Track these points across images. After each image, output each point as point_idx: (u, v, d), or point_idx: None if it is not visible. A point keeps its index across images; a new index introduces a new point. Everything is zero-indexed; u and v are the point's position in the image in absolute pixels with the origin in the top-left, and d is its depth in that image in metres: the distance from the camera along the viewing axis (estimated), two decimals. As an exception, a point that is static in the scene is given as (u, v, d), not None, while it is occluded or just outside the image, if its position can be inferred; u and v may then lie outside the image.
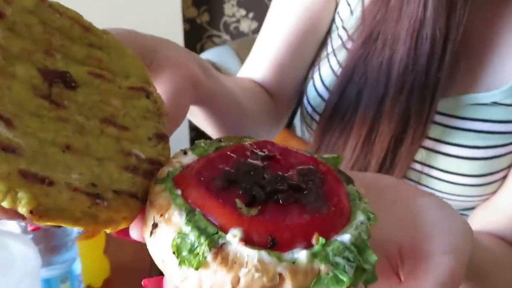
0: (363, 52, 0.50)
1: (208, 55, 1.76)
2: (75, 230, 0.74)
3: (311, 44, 0.58)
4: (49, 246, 0.66)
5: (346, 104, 0.50)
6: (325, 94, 0.54)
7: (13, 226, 0.61)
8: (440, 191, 0.50)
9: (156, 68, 0.33)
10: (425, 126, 0.47)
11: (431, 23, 0.45)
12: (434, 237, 0.24)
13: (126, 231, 0.24)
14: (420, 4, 0.45)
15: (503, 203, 0.50)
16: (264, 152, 0.25)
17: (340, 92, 0.51)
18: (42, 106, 0.23)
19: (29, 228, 0.26)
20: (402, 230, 0.25)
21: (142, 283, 0.25)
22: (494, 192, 0.51)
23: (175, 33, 1.74)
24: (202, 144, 0.26)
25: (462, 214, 0.55)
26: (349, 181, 0.26)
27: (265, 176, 0.22)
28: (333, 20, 0.57)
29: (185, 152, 0.25)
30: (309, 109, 0.57)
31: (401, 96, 0.47)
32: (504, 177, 0.50)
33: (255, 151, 0.24)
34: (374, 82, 0.48)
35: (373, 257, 0.21)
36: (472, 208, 0.53)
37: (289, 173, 0.23)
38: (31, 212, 0.20)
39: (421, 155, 0.50)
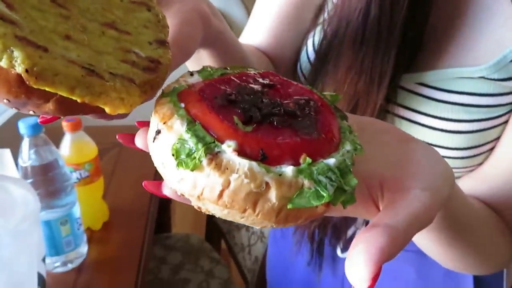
0: (328, 29, 0.51)
1: (214, 2, 1.71)
2: (74, 175, 0.77)
3: (309, 12, 0.57)
4: (49, 190, 0.68)
5: (323, 66, 0.51)
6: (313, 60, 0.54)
7: (13, 171, 0.64)
8: None
9: (166, 2, 0.33)
10: (374, 104, 0.47)
11: (377, 2, 0.45)
12: (416, 175, 0.26)
13: (131, 139, 0.26)
14: None
15: (487, 173, 0.50)
16: (266, 80, 0.27)
17: (320, 56, 0.52)
18: (44, 3, 0.24)
19: (39, 120, 0.28)
20: (387, 166, 0.26)
21: (143, 184, 0.26)
22: (481, 164, 0.51)
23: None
24: (209, 69, 0.27)
25: None
26: (344, 118, 0.27)
27: (263, 100, 0.24)
28: None
29: (191, 74, 0.27)
30: (300, 74, 0.57)
31: (350, 76, 0.47)
32: (491, 149, 0.50)
33: (258, 78, 0.26)
34: (334, 60, 0.49)
35: (353, 181, 0.23)
36: (458, 178, 0.54)
37: (287, 101, 0.25)
38: (27, 71, 0.21)
39: (400, 125, 0.50)
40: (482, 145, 0.49)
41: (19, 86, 0.21)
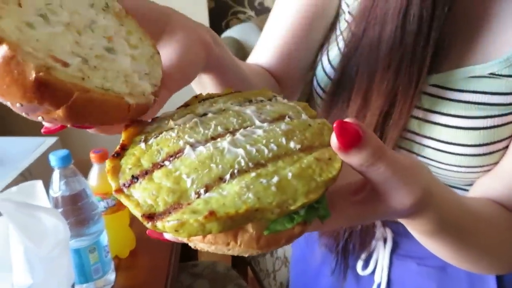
0: (358, 30, 0.51)
1: (232, 32, 1.77)
2: (101, 204, 0.80)
3: (318, 30, 0.59)
4: (78, 219, 0.71)
5: (346, 81, 0.52)
6: (333, 75, 0.56)
7: (45, 201, 0.67)
8: (439, 162, 0.51)
9: (170, 30, 0.36)
10: (411, 102, 0.48)
11: (418, 2, 0.46)
12: None
13: (160, 233, 0.28)
14: None
15: (503, 171, 0.50)
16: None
17: (342, 69, 0.53)
18: None
19: (43, 130, 0.30)
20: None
21: (147, 232, 0.29)
22: (496, 163, 0.51)
23: (200, 11, 1.75)
24: None
25: (463, 190, 0.55)
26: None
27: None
28: (339, 6, 0.58)
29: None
30: (319, 90, 0.58)
31: (388, 73, 0.48)
32: (507, 147, 0.50)
33: None
34: (366, 59, 0.50)
35: (322, 198, 0.25)
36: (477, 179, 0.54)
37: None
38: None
39: (416, 125, 0.51)
40: (498, 141, 0.49)
41: (34, 92, 0.24)
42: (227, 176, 0.24)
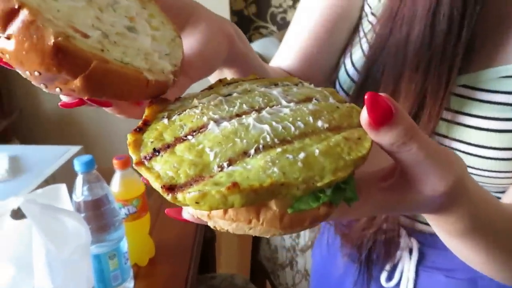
0: (384, 31, 0.50)
1: (254, 46, 1.79)
2: (122, 211, 0.81)
3: (341, 33, 0.58)
4: (99, 225, 0.72)
5: (371, 83, 0.51)
6: (356, 77, 0.55)
7: (68, 205, 0.68)
8: (469, 166, 0.49)
9: (194, 21, 0.36)
10: (441, 104, 0.47)
11: (448, 1, 0.44)
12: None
13: (178, 211, 0.28)
14: None
15: None
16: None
17: (366, 71, 0.52)
18: None
19: (60, 103, 0.30)
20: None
21: (165, 211, 0.28)
22: None
23: (222, 25, 1.78)
24: None
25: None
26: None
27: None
28: (362, 8, 0.57)
29: None
30: (342, 93, 0.58)
31: (417, 74, 0.46)
32: None
33: None
34: (393, 60, 0.49)
35: (350, 179, 0.25)
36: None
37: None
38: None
39: (444, 127, 0.49)
40: None
41: (52, 58, 0.23)
42: (252, 151, 0.23)
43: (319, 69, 0.60)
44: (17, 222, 0.61)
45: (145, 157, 0.25)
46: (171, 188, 0.23)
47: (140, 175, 0.25)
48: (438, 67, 0.46)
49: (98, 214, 0.72)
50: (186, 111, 0.27)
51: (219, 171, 0.23)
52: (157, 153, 0.25)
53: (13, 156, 1.03)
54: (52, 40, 0.23)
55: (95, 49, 0.25)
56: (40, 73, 0.24)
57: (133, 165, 0.25)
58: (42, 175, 0.95)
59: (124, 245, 0.77)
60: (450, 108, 0.49)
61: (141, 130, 0.26)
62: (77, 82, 0.25)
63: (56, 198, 0.66)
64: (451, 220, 0.32)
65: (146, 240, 0.88)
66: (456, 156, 0.29)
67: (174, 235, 0.97)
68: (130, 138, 0.26)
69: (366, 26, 0.56)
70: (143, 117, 0.27)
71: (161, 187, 0.23)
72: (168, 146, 0.25)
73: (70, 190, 0.72)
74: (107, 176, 0.80)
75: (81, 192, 0.71)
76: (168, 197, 0.23)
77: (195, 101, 0.28)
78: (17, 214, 0.62)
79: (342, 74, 0.57)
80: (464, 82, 0.48)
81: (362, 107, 0.26)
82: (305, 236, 1.04)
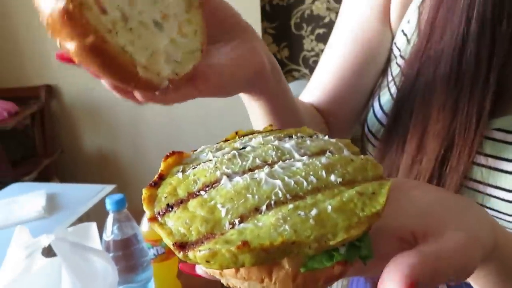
0: (411, 71, 0.49)
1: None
2: (151, 252, 0.80)
3: (370, 75, 0.58)
4: (127, 265, 0.72)
5: (400, 126, 0.49)
6: (384, 120, 0.54)
7: (97, 244, 0.68)
8: (506, 214, 0.46)
9: (233, 37, 0.36)
10: (472, 146, 0.44)
11: (475, 38, 0.43)
12: (448, 219, 0.25)
13: (192, 266, 0.28)
14: (463, 18, 0.43)
15: None
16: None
17: (395, 114, 0.51)
18: None
19: (56, 52, 0.31)
20: (418, 216, 0.26)
21: (179, 266, 0.28)
22: None
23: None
24: None
25: None
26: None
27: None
28: (391, 50, 0.57)
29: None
30: (370, 136, 0.57)
31: (444, 113, 0.45)
32: None
33: None
34: (420, 101, 0.47)
35: (365, 236, 0.24)
36: None
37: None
38: None
39: (479, 173, 0.47)
40: None
41: (59, 17, 0.26)
42: (263, 207, 0.23)
43: (348, 109, 0.60)
44: (48, 259, 0.62)
45: (159, 213, 0.25)
46: (183, 245, 0.23)
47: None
48: (466, 107, 0.44)
49: (126, 254, 0.72)
50: (201, 165, 0.27)
51: (231, 228, 0.23)
52: (170, 209, 0.25)
53: (51, 194, 1.07)
54: (64, 3, 0.25)
55: (103, 26, 0.27)
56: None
57: (148, 221, 0.25)
58: (77, 213, 0.98)
59: (152, 287, 0.76)
60: (484, 153, 0.46)
61: (156, 184, 0.27)
62: (71, 46, 0.26)
63: (86, 237, 0.67)
64: (482, 274, 0.31)
65: (174, 283, 0.87)
66: (481, 213, 0.28)
67: (202, 279, 0.95)
68: (145, 193, 0.26)
69: (394, 69, 0.55)
70: (159, 171, 0.28)
71: (173, 244, 0.23)
72: (181, 202, 0.25)
73: (103, 229, 0.72)
74: (140, 216, 0.81)
75: (111, 230, 0.71)
76: (180, 254, 0.23)
77: (210, 155, 0.28)
78: (49, 251, 0.63)
79: (370, 117, 0.57)
80: (498, 125, 0.46)
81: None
82: (337, 285, 0.99)
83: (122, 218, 0.72)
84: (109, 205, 0.70)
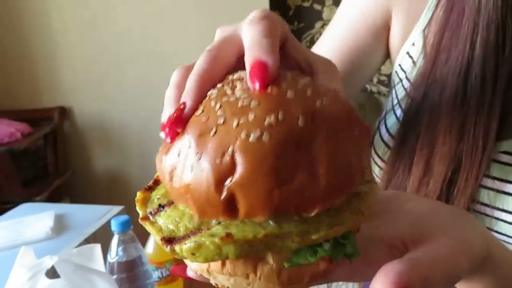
0: (417, 94, 0.49)
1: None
2: (155, 274, 0.79)
3: (353, 84, 0.61)
4: (132, 287, 0.71)
5: (406, 148, 0.49)
6: (391, 143, 0.54)
7: (101, 266, 0.68)
8: None
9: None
10: (479, 168, 0.44)
11: (479, 62, 0.43)
12: (440, 227, 0.26)
13: (183, 269, 0.28)
14: (467, 43, 0.44)
15: None
16: None
17: (401, 137, 0.51)
18: None
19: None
20: (409, 225, 0.27)
21: (171, 269, 0.28)
22: None
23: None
24: None
25: None
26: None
27: None
28: (394, 74, 0.57)
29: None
30: (377, 159, 0.56)
31: (450, 135, 0.45)
32: None
33: None
34: (426, 123, 0.48)
35: (349, 234, 0.24)
36: None
37: None
38: None
39: (486, 196, 0.46)
40: None
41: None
42: None
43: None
44: (51, 281, 0.62)
45: (151, 213, 0.26)
46: (170, 240, 0.23)
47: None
48: (473, 129, 0.44)
49: (131, 276, 0.71)
50: None
51: (217, 224, 0.23)
52: (161, 209, 0.25)
53: (59, 214, 1.07)
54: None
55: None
56: None
57: (139, 220, 0.26)
58: (84, 234, 0.98)
59: (155, 311, 0.75)
60: (492, 175, 0.46)
61: (150, 188, 0.28)
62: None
63: (90, 258, 0.67)
64: (476, 285, 0.31)
65: (178, 306, 0.86)
66: (474, 223, 0.28)
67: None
68: (139, 195, 0.27)
69: (400, 92, 0.56)
70: (154, 177, 0.28)
71: (161, 239, 0.24)
72: (173, 202, 0.25)
73: (107, 251, 0.72)
74: (145, 237, 0.81)
75: (115, 252, 0.71)
76: (167, 249, 0.23)
77: None
78: (53, 273, 0.63)
79: (377, 140, 0.57)
80: (506, 148, 0.46)
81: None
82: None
83: (127, 240, 0.72)
84: (114, 226, 0.70)
